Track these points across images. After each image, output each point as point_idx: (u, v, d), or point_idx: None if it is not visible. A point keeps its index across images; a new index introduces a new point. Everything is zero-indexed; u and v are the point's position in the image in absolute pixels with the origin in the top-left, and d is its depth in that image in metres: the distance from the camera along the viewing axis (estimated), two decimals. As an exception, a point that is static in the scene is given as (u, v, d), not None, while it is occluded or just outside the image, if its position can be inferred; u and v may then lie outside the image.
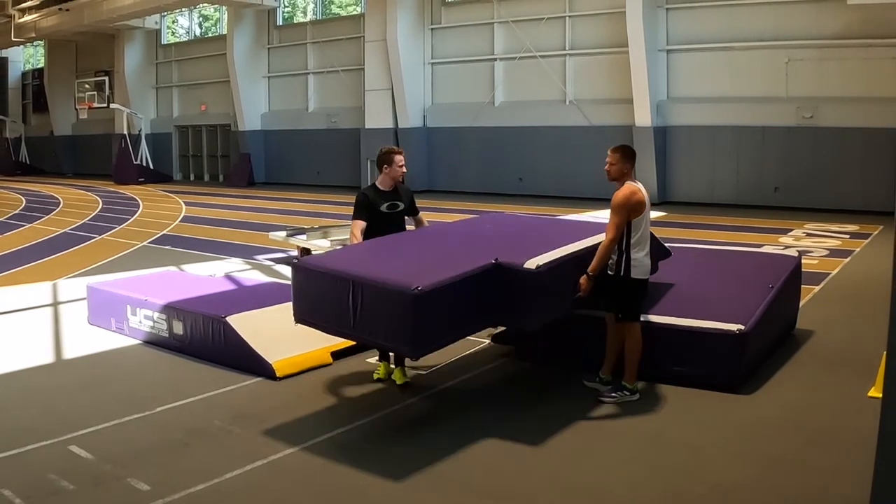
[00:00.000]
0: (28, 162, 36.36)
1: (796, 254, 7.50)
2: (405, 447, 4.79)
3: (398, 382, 5.83)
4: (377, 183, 6.05)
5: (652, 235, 5.68)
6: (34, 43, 35.60)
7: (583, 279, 5.22)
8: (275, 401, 5.57)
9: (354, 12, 25.43)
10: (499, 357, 6.56)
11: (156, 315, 6.94)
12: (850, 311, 8.01)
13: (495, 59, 21.29)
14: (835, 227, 13.67)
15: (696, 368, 5.59)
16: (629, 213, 5.32)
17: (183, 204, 20.69)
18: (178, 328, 6.73)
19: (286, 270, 10.72)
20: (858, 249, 11.64)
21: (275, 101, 27.05)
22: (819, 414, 5.20)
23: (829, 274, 9.81)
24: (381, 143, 23.92)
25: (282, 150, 26.49)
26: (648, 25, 17.74)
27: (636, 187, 5.42)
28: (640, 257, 5.34)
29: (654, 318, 5.81)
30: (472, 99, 21.56)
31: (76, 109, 32.00)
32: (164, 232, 15.26)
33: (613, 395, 5.40)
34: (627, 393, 5.38)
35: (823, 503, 3.98)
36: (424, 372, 6.13)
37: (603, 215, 16.19)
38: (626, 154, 5.56)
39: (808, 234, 13.11)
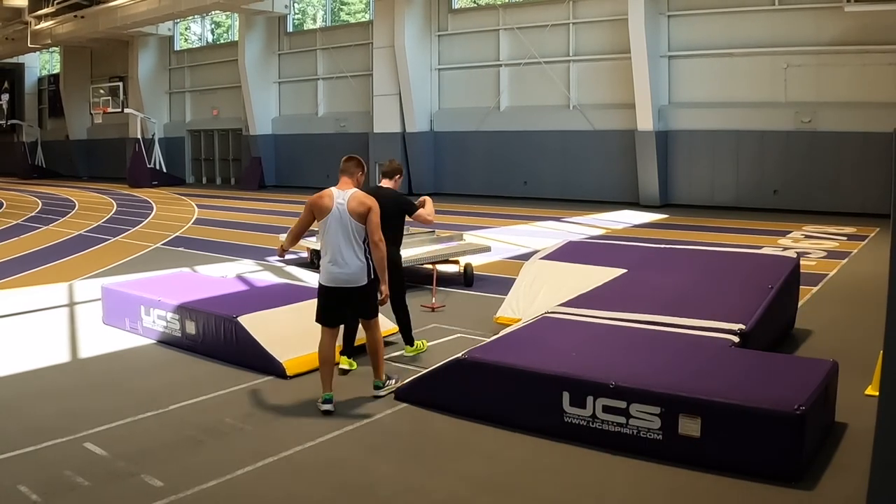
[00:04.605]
0: (44, 165, 36.80)
1: (795, 255, 7.58)
2: (413, 444, 4.87)
3: (349, 368, 6.21)
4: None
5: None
6: (50, 49, 36.01)
7: None
8: (285, 399, 5.62)
9: (363, 19, 25.77)
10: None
11: (169, 315, 7.00)
12: (847, 311, 8.11)
13: (500, 65, 21.56)
14: (832, 230, 13.80)
15: None
16: None
17: (195, 206, 20.88)
18: (191, 328, 6.78)
19: (296, 271, 10.94)
20: (856, 251, 11.75)
21: (285, 105, 27.37)
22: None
23: (827, 275, 9.92)
24: (388, 147, 24.10)
25: (292, 153, 26.79)
26: (650, 32, 17.94)
27: None
28: None
29: (656, 319, 5.96)
30: (478, 104, 21.83)
31: (91, 114, 32.39)
32: (177, 234, 15.42)
33: None
34: None
35: (821, 500, 4.01)
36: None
37: (606, 217, 16.50)
38: None
39: (807, 236, 13.23)
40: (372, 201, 5.44)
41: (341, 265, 5.39)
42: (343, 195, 5.44)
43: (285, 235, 6.03)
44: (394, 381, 5.73)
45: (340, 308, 5.55)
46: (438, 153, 22.61)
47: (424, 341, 6.76)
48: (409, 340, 6.64)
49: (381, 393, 5.62)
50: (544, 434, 4.81)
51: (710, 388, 4.50)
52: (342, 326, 6.01)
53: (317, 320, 5.57)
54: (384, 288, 5.51)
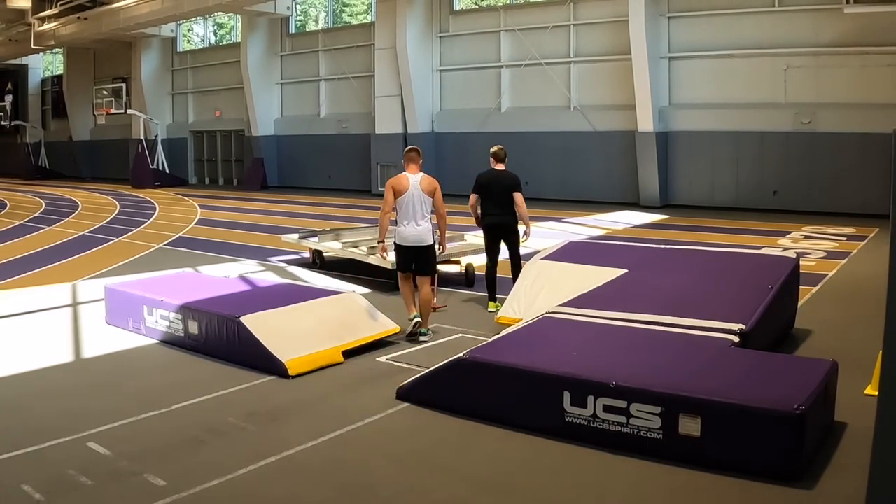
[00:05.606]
0: (47, 166, 36.91)
1: (795, 255, 7.61)
2: (413, 444, 4.86)
3: (495, 310, 8.12)
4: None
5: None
6: (53, 50, 36.08)
7: None
8: (287, 398, 5.66)
9: (365, 21, 25.83)
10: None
11: (172, 315, 7.03)
12: (846, 311, 8.15)
13: (502, 67, 21.60)
14: (832, 230, 13.83)
15: None
16: None
17: (198, 207, 20.93)
18: (194, 328, 6.81)
19: (298, 272, 10.98)
20: (855, 251, 11.77)
21: (287, 106, 27.44)
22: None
23: (827, 275, 9.94)
24: (390, 148, 24.09)
25: (294, 154, 26.85)
26: (650, 33, 17.97)
27: None
28: None
29: (657, 319, 5.98)
30: (479, 105, 21.86)
31: (94, 115, 32.50)
32: (180, 234, 15.47)
33: None
34: None
35: (821, 500, 4.01)
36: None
37: (607, 217, 16.52)
38: None
39: (806, 237, 13.26)
40: (436, 183, 7.29)
41: (415, 228, 7.20)
42: (416, 178, 7.26)
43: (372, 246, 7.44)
44: (431, 334, 7.25)
45: (409, 260, 7.32)
46: (440, 154, 22.63)
47: (498, 304, 8.19)
48: (492, 298, 8.32)
49: (425, 339, 7.12)
50: (545, 434, 4.84)
51: (710, 388, 4.53)
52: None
53: (396, 269, 7.55)
54: (444, 245, 7.65)
